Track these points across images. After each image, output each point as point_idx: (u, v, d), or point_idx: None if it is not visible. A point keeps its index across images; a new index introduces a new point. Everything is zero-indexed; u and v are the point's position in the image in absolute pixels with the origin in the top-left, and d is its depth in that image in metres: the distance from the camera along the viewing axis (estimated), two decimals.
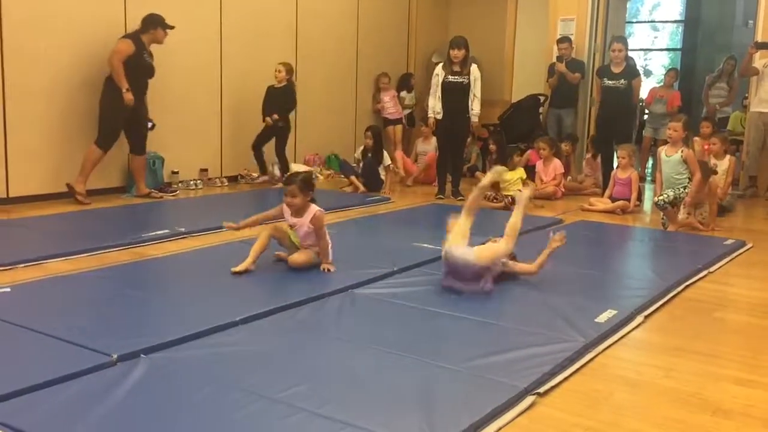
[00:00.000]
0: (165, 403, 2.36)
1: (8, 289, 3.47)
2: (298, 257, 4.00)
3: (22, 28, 5.64)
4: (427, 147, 8.00)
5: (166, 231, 4.92)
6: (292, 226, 4.06)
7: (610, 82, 7.02)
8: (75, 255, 4.26)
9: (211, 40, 7.15)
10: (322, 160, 8.54)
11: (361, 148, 7.35)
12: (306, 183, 3.99)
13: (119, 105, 5.93)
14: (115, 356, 2.65)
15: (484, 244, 3.88)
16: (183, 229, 4.98)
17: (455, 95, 6.72)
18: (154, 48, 6.20)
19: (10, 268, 3.92)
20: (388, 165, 7.21)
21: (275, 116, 7.15)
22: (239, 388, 2.44)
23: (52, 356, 2.68)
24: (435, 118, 6.90)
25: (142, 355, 2.68)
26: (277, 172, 7.67)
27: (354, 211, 6.15)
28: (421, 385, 2.54)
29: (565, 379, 2.71)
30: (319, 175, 8.14)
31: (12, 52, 5.60)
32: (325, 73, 8.48)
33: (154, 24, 6.12)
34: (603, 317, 3.31)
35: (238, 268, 3.86)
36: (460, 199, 6.75)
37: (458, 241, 3.76)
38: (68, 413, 2.24)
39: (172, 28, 6.21)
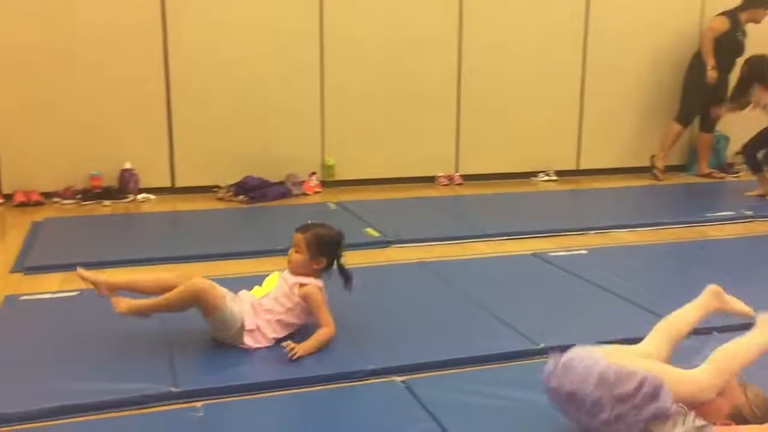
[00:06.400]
0: None
1: (585, 252, 3.88)
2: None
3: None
4: None
5: (731, 213, 4.79)
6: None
7: None
8: (639, 228, 4.49)
9: None
10: None
11: None
12: (321, 243, 2.66)
13: (703, 82, 5.94)
14: None
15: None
16: (750, 213, 4.76)
17: None
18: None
19: (582, 234, 4.36)
20: None
21: None
22: None
23: (623, 316, 2.93)
24: None
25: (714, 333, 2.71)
26: None
27: None
28: None
29: None
30: None
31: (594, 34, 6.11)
32: None
33: (756, 2, 5.95)
34: None
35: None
36: None
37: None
38: None
39: None
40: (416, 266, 3.60)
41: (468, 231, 4.31)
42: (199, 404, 2.19)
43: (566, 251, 3.86)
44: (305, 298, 2.61)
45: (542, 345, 2.60)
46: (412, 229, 4.29)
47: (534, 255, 3.80)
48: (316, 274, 2.66)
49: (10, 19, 4.81)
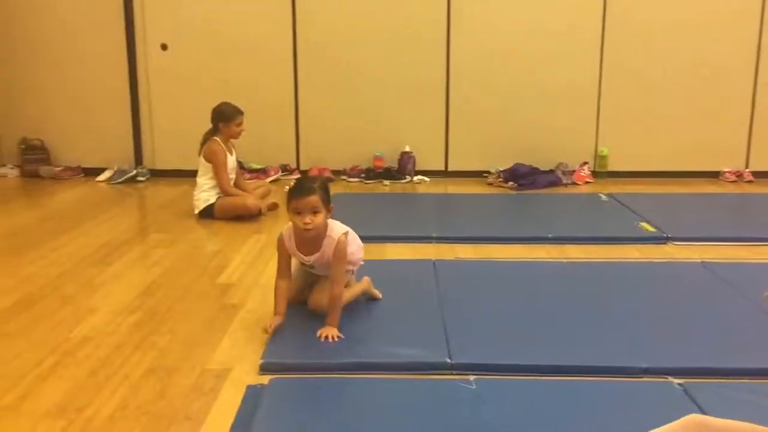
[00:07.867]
0: None
1: None
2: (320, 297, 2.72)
3: None
4: None
5: None
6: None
7: None
8: None
9: None
10: None
11: None
12: (327, 191, 2.65)
13: None
14: None
15: None
16: None
17: None
18: None
19: None
20: None
21: None
22: None
23: None
24: None
25: None
26: None
27: None
28: None
29: None
30: None
31: None
32: None
33: None
34: None
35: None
36: None
37: None
38: None
39: None
40: (698, 266, 3.38)
41: (762, 233, 3.93)
42: (471, 377, 2.30)
43: None
44: (337, 249, 2.62)
45: None
46: (692, 227, 4.03)
47: None
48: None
49: (325, 12, 5.38)
